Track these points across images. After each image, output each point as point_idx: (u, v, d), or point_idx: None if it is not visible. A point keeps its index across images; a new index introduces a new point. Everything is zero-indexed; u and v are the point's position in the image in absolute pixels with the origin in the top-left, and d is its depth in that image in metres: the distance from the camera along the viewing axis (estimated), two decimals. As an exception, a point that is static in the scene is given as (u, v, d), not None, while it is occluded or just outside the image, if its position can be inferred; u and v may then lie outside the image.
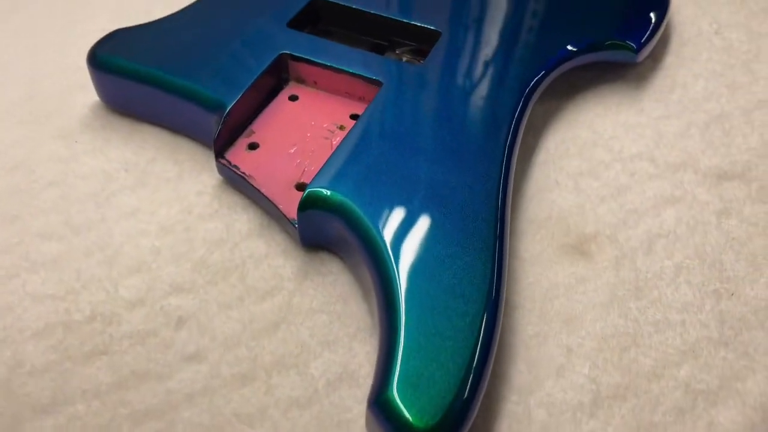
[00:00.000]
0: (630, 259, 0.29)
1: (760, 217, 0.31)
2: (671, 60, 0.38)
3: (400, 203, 0.26)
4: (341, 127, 0.32)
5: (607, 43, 0.34)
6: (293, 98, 0.33)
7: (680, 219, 0.30)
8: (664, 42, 0.40)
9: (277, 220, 0.30)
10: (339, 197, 0.26)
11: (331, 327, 0.26)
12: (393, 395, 0.21)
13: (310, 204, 0.27)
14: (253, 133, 0.31)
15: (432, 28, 0.35)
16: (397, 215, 0.26)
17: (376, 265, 0.24)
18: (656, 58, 0.39)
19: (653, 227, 0.30)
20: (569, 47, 0.34)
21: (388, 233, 0.25)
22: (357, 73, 0.32)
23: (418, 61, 0.35)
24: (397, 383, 0.21)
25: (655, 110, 0.36)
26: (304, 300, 0.27)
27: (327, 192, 0.27)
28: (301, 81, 0.34)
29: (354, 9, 0.36)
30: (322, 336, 0.26)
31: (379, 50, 0.36)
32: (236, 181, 0.30)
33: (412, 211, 0.26)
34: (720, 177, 0.32)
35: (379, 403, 0.21)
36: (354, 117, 0.32)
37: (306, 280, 0.28)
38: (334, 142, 0.31)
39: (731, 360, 0.26)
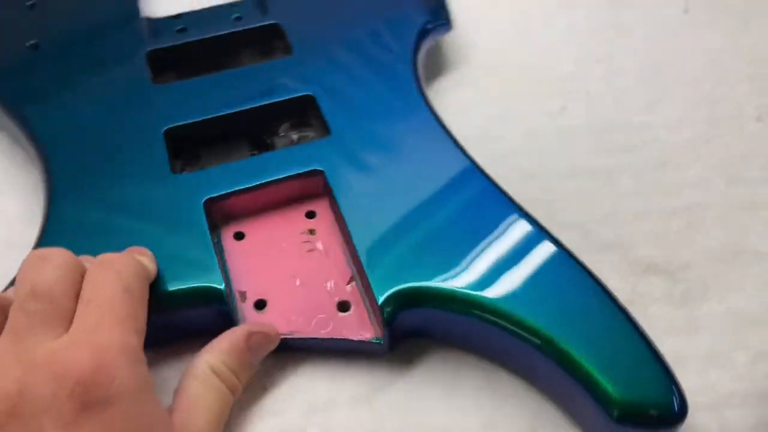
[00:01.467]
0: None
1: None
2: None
3: (447, 256, 0.27)
4: (311, 232, 0.30)
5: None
6: (239, 236, 0.30)
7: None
8: None
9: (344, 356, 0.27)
10: (416, 285, 0.26)
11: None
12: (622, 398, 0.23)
13: (396, 311, 0.26)
14: (246, 293, 0.28)
15: (302, 94, 0.34)
16: (462, 268, 0.26)
17: (509, 333, 0.25)
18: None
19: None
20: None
21: (483, 291, 0.25)
22: (294, 173, 0.30)
23: (314, 133, 0.34)
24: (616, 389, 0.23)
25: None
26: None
27: (400, 287, 0.26)
28: (231, 218, 0.30)
29: (208, 119, 0.33)
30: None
31: (264, 146, 0.34)
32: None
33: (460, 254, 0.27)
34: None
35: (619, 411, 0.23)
36: (311, 215, 0.31)
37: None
38: (320, 247, 0.29)
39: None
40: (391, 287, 0.26)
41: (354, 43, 0.36)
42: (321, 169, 0.30)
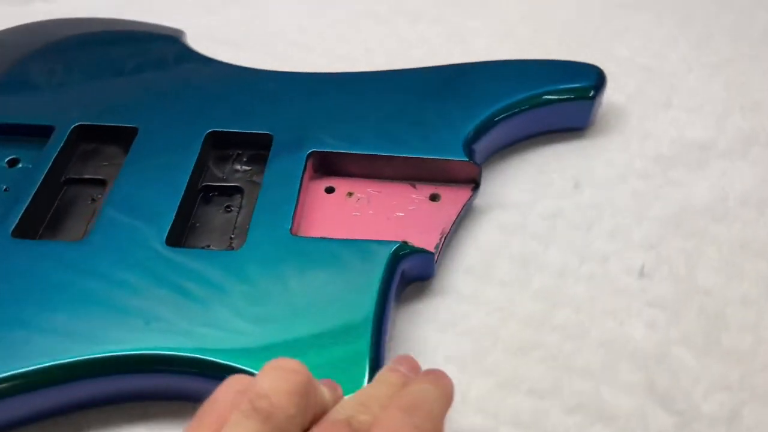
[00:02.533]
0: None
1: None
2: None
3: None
4: (350, 194, 0.32)
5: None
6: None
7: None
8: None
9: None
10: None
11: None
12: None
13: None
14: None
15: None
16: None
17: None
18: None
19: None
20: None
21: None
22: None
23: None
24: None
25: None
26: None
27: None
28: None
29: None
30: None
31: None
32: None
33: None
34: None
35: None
36: (330, 190, 0.33)
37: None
38: (362, 196, 0.32)
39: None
40: (458, 141, 0.32)
41: (159, 84, 0.36)
42: (312, 149, 0.32)
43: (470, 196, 0.33)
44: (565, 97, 0.36)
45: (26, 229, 0.30)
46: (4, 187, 0.32)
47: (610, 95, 0.39)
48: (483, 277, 0.31)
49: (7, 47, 0.38)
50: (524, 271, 0.31)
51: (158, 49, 0.38)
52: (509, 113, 0.35)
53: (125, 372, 0.25)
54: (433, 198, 0.33)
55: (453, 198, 0.33)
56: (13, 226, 0.29)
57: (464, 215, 0.33)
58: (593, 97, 0.36)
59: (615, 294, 0.30)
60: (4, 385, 0.24)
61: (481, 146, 0.34)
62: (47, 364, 0.25)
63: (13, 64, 0.37)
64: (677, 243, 0.32)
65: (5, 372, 0.24)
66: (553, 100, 0.36)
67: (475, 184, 0.33)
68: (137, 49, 0.38)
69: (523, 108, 0.35)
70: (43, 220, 0.31)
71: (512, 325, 0.29)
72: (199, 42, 0.40)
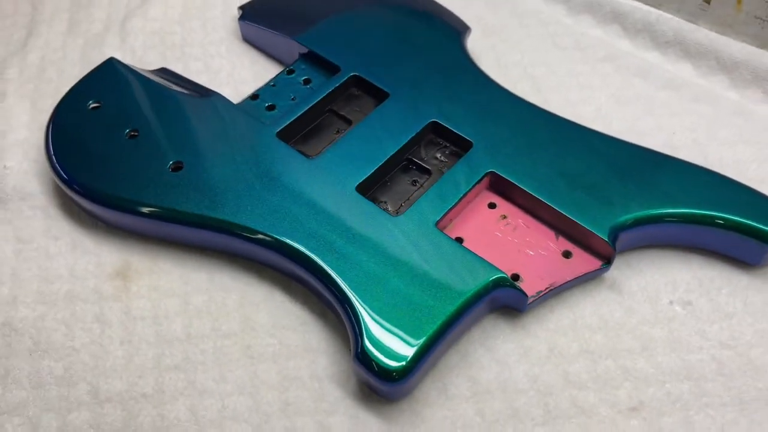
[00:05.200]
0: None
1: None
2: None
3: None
4: (503, 216, 0.39)
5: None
6: (460, 240, 0.38)
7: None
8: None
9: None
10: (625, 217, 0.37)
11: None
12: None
13: (615, 237, 0.37)
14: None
15: (429, 121, 0.42)
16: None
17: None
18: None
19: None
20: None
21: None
22: (475, 182, 0.39)
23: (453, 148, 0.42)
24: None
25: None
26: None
27: (614, 221, 0.37)
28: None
29: (383, 163, 0.40)
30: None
31: (422, 169, 0.42)
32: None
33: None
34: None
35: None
36: (492, 206, 0.40)
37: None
38: (521, 223, 0.39)
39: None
40: (610, 222, 0.37)
41: (422, 66, 0.45)
42: (492, 170, 0.39)
43: (597, 269, 0.37)
44: (743, 231, 0.37)
45: (288, 135, 0.42)
46: (292, 96, 0.45)
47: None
48: (561, 336, 0.36)
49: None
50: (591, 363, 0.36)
51: (438, 35, 0.47)
52: (677, 221, 0.37)
53: (275, 248, 0.37)
54: (566, 254, 0.38)
55: (581, 263, 0.37)
56: (279, 129, 0.42)
57: (589, 281, 0.38)
58: (773, 244, 0.36)
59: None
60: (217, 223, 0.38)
61: (630, 235, 0.37)
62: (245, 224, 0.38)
63: (341, 9, 0.49)
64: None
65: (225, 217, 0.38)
66: (729, 228, 0.37)
67: (607, 261, 0.37)
68: (424, 29, 0.48)
69: (695, 221, 0.37)
70: (300, 132, 0.44)
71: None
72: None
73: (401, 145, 0.41)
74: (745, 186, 0.38)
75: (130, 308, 0.38)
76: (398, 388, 0.33)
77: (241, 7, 0.51)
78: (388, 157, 0.40)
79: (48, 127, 0.43)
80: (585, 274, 0.37)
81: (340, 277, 0.35)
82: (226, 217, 0.38)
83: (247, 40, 0.52)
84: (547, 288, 0.36)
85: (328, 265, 0.36)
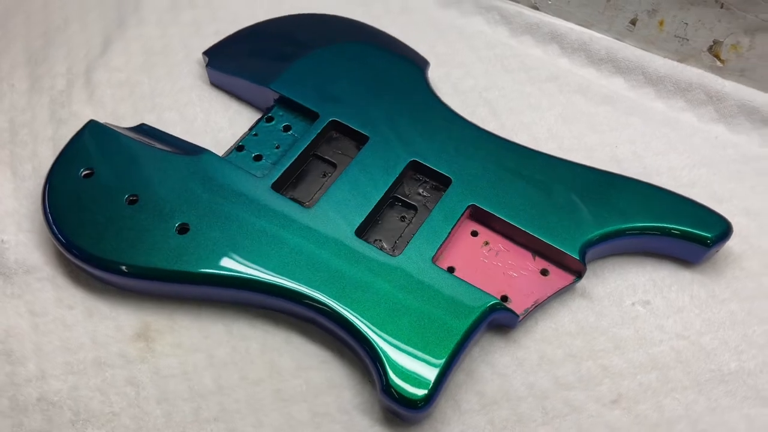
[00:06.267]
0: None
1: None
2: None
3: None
4: (486, 243, 0.44)
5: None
6: (452, 270, 0.43)
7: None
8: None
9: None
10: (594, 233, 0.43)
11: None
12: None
13: (584, 253, 0.43)
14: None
15: (409, 160, 0.46)
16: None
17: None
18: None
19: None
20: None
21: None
22: (459, 216, 0.44)
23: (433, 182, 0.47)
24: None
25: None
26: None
27: (583, 239, 0.43)
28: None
29: (377, 204, 0.44)
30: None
31: (408, 205, 0.46)
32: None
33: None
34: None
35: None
36: (474, 234, 0.45)
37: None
38: (502, 248, 0.44)
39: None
40: (579, 242, 0.42)
41: (394, 106, 0.49)
42: (473, 203, 0.44)
43: (571, 282, 0.43)
44: (684, 237, 0.44)
45: (280, 184, 0.45)
46: (276, 144, 0.48)
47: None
48: (547, 345, 0.42)
49: (304, 33, 0.53)
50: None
51: (404, 73, 0.51)
52: (632, 234, 0.44)
53: (292, 299, 0.41)
54: (543, 272, 0.43)
55: (557, 279, 0.43)
56: (273, 181, 0.45)
57: (564, 292, 0.44)
58: (710, 246, 0.43)
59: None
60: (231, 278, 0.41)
61: (595, 250, 0.43)
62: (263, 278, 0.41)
63: (311, 49, 0.52)
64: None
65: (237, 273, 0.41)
66: (673, 235, 0.44)
67: (578, 275, 0.43)
68: (390, 68, 0.51)
69: (646, 232, 0.44)
70: (290, 179, 0.47)
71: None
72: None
73: (388, 187, 0.45)
74: (682, 196, 0.45)
75: (158, 368, 0.41)
76: (423, 413, 0.38)
77: (206, 53, 0.53)
78: (378, 199, 0.44)
79: (44, 200, 0.44)
80: (562, 288, 0.43)
81: (358, 319, 0.39)
82: (238, 273, 0.41)
83: (216, 85, 0.54)
84: (533, 305, 0.42)
85: (345, 310, 0.40)
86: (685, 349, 0.42)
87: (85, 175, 0.45)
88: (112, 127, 0.47)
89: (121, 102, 0.53)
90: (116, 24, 0.57)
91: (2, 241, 0.45)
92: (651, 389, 0.41)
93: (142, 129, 0.49)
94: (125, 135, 0.47)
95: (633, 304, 0.44)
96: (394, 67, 0.52)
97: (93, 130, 0.47)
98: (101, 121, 0.49)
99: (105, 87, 0.53)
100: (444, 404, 0.40)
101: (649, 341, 0.43)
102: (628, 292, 0.44)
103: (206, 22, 0.58)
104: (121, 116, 0.52)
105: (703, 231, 0.44)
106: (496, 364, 0.42)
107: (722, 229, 0.44)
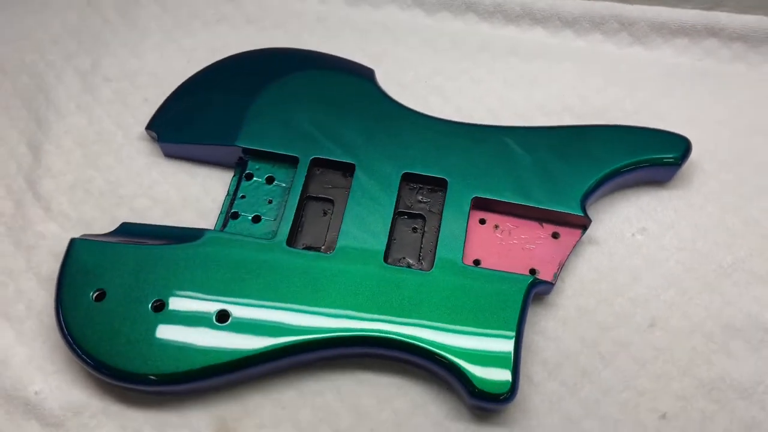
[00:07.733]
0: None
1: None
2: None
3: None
4: (497, 227, 0.47)
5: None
6: (476, 263, 0.46)
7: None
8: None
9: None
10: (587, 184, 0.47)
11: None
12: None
13: (584, 204, 0.47)
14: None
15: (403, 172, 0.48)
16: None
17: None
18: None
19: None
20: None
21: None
22: (467, 210, 0.47)
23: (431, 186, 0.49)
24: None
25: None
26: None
27: (578, 196, 0.47)
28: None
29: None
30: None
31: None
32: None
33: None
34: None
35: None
36: (482, 222, 0.48)
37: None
38: (511, 226, 0.47)
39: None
40: (576, 198, 0.47)
41: (363, 125, 0.50)
42: (475, 195, 0.47)
43: (580, 236, 0.48)
44: (654, 163, 0.49)
45: (292, 239, 0.46)
46: (268, 199, 0.48)
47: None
48: (579, 297, 0.47)
49: (243, 76, 0.52)
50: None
51: (358, 89, 0.52)
52: (616, 174, 0.48)
53: (353, 345, 0.43)
54: (554, 236, 0.47)
55: (569, 237, 0.47)
56: (285, 239, 0.45)
57: (576, 247, 0.48)
58: (680, 164, 0.49)
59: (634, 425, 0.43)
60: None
61: (590, 200, 0.48)
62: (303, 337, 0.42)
63: (259, 90, 0.51)
64: (702, 404, 0.43)
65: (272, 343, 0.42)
66: (644, 164, 0.49)
67: (584, 227, 0.48)
68: (343, 88, 0.52)
69: (623, 170, 0.49)
70: (297, 229, 0.47)
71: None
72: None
73: (393, 205, 0.47)
74: (642, 128, 0.50)
75: (254, 454, 0.42)
76: (511, 401, 0.41)
77: (150, 128, 0.51)
78: (390, 221, 0.46)
79: (67, 339, 0.42)
80: (575, 244, 0.47)
81: (427, 345, 0.42)
82: (293, 340, 0.42)
83: (173, 156, 0.52)
84: (558, 268, 0.46)
85: (407, 338, 0.42)
86: (687, 259, 0.48)
87: (96, 297, 0.43)
88: (96, 239, 0.45)
89: (83, 206, 0.50)
90: (35, 125, 0.53)
91: (36, 393, 0.43)
92: (674, 304, 0.47)
93: (126, 229, 0.47)
94: (116, 243, 0.45)
95: (633, 234, 0.49)
96: (346, 86, 0.52)
97: (80, 249, 0.45)
98: (74, 233, 0.47)
99: (57, 195, 0.50)
100: (520, 384, 0.44)
101: (657, 262, 0.48)
102: (626, 226, 0.50)
103: (128, 92, 0.55)
104: (91, 221, 0.49)
105: (670, 153, 0.49)
106: (545, 331, 0.46)
107: (685, 146, 0.49)
